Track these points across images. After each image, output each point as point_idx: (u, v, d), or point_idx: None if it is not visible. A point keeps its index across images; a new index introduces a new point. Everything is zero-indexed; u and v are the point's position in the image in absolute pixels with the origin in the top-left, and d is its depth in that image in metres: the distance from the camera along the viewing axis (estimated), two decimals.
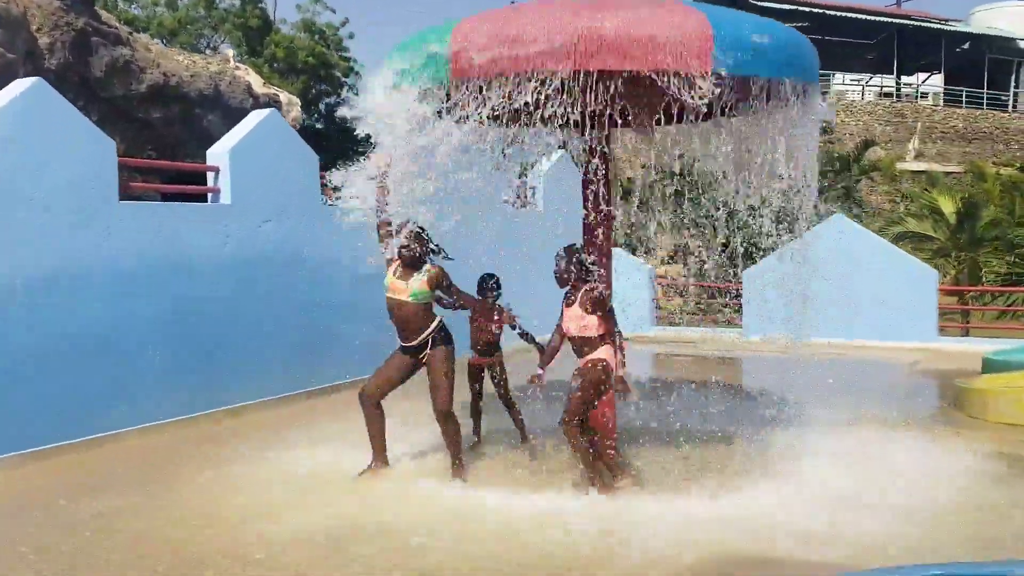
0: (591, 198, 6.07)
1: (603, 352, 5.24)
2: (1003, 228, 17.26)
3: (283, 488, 5.51)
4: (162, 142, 15.96)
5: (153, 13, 30.74)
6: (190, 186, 8.25)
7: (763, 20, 5.47)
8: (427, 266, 5.60)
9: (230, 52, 20.11)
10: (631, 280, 11.73)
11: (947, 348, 10.56)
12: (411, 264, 5.58)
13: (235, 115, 17.07)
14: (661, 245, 26.13)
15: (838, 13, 33.75)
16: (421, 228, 5.63)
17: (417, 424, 6.37)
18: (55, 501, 5.40)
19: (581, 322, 5.27)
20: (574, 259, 5.34)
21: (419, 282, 5.56)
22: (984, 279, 15.58)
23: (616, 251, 12.99)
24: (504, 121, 6.39)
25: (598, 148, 5.97)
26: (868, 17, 34.88)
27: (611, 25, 4.92)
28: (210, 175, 7.96)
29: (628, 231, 22.27)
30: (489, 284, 6.26)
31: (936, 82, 37.59)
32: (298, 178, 8.53)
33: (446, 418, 5.64)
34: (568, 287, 5.40)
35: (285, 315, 8.35)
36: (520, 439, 6.32)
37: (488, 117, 5.72)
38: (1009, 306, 12.56)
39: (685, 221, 21.74)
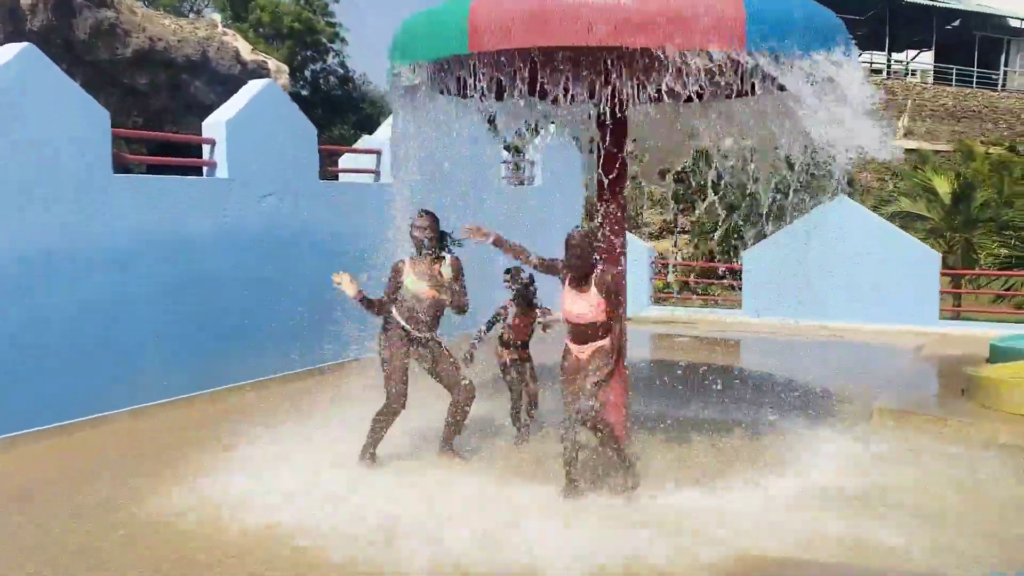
0: (606, 177, 5.89)
1: (609, 339, 5.06)
2: (996, 209, 17.21)
3: (286, 478, 5.30)
4: (148, 109, 15.60)
5: None
6: (187, 159, 7.94)
7: None
8: (446, 256, 5.48)
9: (217, 17, 19.61)
10: (630, 259, 11.53)
11: (950, 332, 10.46)
12: (432, 255, 5.43)
13: (223, 82, 16.70)
14: (652, 221, 26.00)
15: None
16: (428, 212, 5.48)
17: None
18: (55, 489, 5.22)
19: (599, 307, 5.01)
20: (591, 241, 5.08)
21: (447, 274, 5.45)
22: (981, 261, 15.52)
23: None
24: (516, 97, 6.20)
25: (614, 125, 5.78)
26: None
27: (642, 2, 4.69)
28: (206, 147, 7.68)
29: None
30: (518, 278, 5.93)
31: (926, 59, 37.45)
32: (297, 152, 8.26)
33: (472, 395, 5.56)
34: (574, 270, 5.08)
35: (287, 293, 8.12)
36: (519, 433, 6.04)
37: (496, 92, 5.54)
38: (1007, 290, 12.49)
39: (678, 197, 21.64)
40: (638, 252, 12.62)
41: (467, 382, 5.55)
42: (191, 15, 28.71)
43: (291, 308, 8.17)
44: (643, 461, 5.43)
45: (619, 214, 5.97)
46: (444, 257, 5.47)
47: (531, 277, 5.93)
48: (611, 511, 4.72)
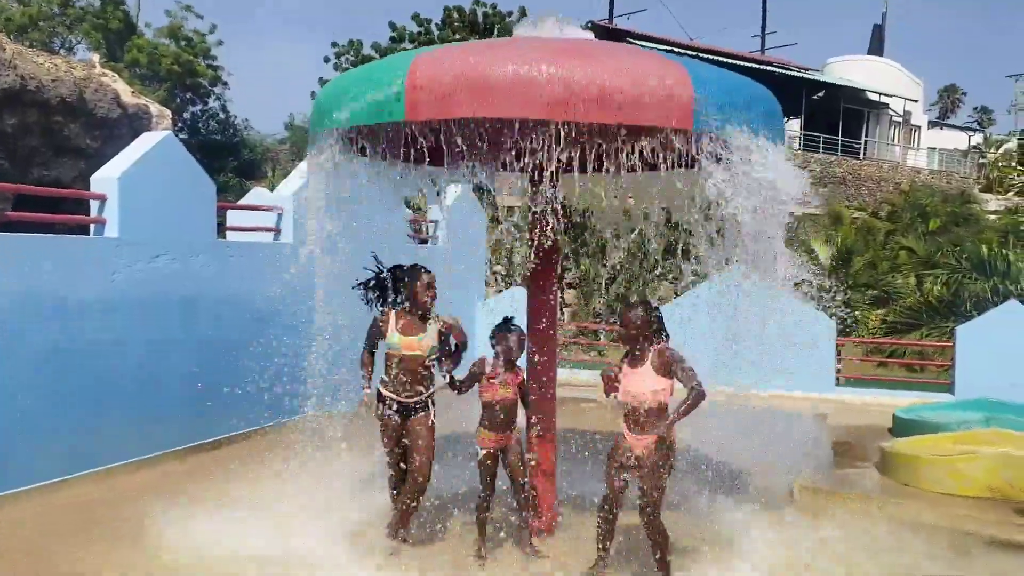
0: (540, 244, 5.68)
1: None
2: (872, 274, 17.97)
3: None
4: (15, 151, 14.51)
5: None
6: (73, 216, 7.25)
7: (737, 76, 5.23)
8: (438, 315, 5.26)
9: (95, 56, 18.60)
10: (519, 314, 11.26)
11: (847, 399, 10.67)
12: (422, 315, 5.19)
13: (100, 125, 15.77)
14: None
15: (708, 56, 34.86)
16: (427, 270, 5.28)
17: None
18: None
19: (656, 385, 4.62)
20: (650, 314, 4.71)
21: (433, 335, 5.19)
22: (859, 327, 16.11)
23: (518, 289, 12.64)
24: (442, 162, 5.98)
25: (551, 194, 5.62)
26: (732, 61, 36.18)
27: (589, 75, 4.51)
28: (94, 204, 7.03)
29: (502, 258, 22.04)
30: (510, 336, 5.20)
31: (795, 127, 39.44)
32: (193, 209, 7.69)
33: (422, 491, 5.20)
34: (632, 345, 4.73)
35: (178, 360, 7.49)
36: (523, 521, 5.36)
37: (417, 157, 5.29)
38: (888, 357, 12.95)
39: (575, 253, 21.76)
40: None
41: (426, 465, 5.18)
42: (61, 52, 27.31)
43: (186, 375, 7.55)
44: (577, 550, 5.18)
45: (552, 280, 5.84)
46: (438, 320, 5.27)
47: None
48: None
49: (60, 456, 6.46)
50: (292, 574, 4.88)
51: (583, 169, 6.13)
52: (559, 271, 5.90)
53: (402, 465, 5.28)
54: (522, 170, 5.64)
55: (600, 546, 4.88)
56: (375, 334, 5.30)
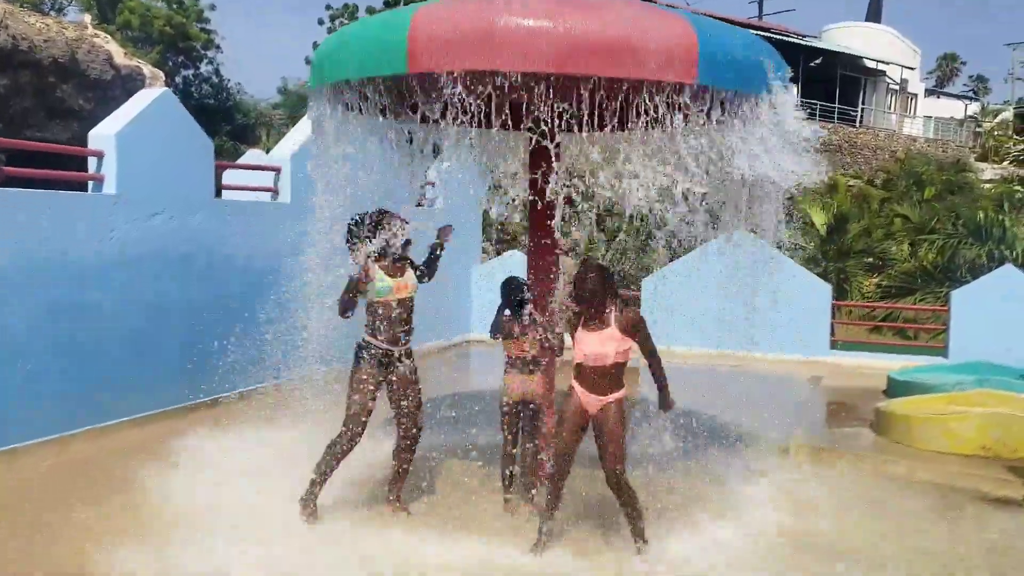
0: (540, 204, 5.68)
1: (623, 389, 4.63)
2: (867, 241, 18.01)
3: (173, 533, 4.77)
4: (7, 112, 14.39)
5: None
6: (72, 172, 7.22)
7: (742, 31, 5.21)
8: (410, 261, 5.27)
9: (87, 17, 18.41)
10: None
11: (842, 362, 10.75)
12: (400, 258, 5.16)
13: (93, 86, 15.64)
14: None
15: None
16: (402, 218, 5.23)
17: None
18: None
19: (621, 346, 4.52)
20: (604, 275, 4.59)
21: (413, 275, 5.21)
22: (853, 292, 16.17)
23: (514, 253, 12.66)
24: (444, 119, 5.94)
25: (551, 150, 5.61)
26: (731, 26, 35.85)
27: (593, 27, 4.48)
28: (92, 160, 7.00)
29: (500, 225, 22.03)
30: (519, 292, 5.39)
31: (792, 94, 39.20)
32: (191, 167, 7.66)
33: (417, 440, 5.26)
34: (586, 308, 4.60)
35: (174, 319, 7.50)
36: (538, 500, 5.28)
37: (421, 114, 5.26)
38: (882, 321, 13.02)
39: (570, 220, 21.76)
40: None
41: (421, 416, 5.25)
42: (52, 13, 26.98)
43: (182, 335, 7.56)
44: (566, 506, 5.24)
45: (552, 239, 5.82)
46: (409, 260, 5.22)
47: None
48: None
49: (57, 413, 6.48)
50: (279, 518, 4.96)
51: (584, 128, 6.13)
52: (558, 235, 5.88)
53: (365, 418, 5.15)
54: (523, 128, 5.65)
55: (549, 514, 4.70)
56: (355, 287, 5.00)
